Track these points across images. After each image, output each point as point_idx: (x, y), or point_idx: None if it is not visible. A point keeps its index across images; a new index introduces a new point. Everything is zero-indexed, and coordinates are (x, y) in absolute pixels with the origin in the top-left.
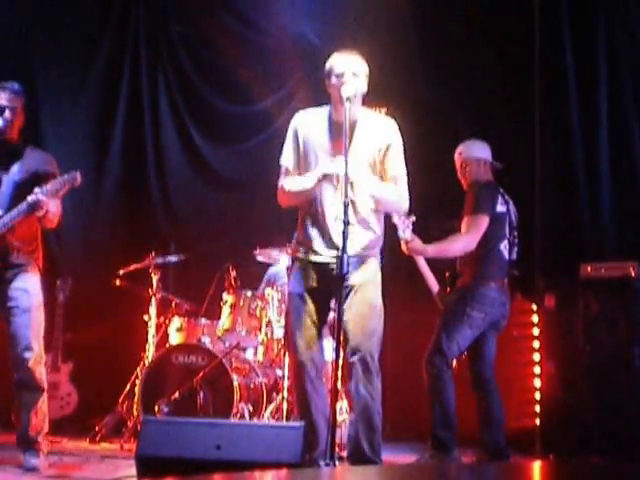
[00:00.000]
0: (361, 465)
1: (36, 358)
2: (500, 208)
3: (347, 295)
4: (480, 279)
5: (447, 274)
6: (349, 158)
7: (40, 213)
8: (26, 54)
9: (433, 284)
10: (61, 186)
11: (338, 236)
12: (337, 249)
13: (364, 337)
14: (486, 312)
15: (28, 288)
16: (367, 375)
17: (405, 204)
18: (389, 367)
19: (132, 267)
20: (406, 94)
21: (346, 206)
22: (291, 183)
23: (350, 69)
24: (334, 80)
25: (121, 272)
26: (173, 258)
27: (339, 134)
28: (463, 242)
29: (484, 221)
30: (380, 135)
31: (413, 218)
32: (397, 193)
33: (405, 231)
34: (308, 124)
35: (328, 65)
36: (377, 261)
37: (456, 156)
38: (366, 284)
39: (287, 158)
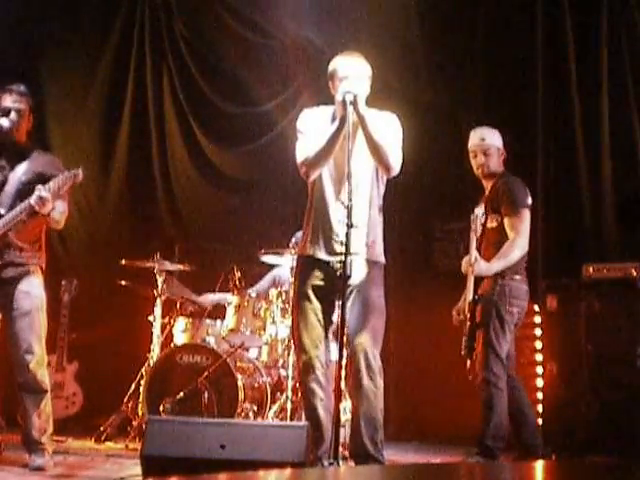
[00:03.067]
0: (364, 462)
1: (38, 360)
2: (530, 200)
3: (350, 295)
4: (510, 274)
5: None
6: (351, 160)
7: (44, 211)
8: (32, 55)
9: (470, 292)
10: (63, 183)
11: (342, 237)
12: (341, 250)
13: (366, 336)
14: (521, 306)
15: (29, 290)
16: (370, 374)
17: (396, 164)
18: (392, 366)
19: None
20: (408, 95)
21: (350, 208)
22: (314, 142)
23: (353, 72)
24: (337, 83)
25: (123, 262)
26: (177, 266)
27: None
28: (519, 247)
29: (528, 216)
30: (380, 128)
31: (481, 213)
32: (391, 148)
33: (477, 229)
34: (315, 120)
35: (331, 67)
36: (380, 262)
37: (476, 141)
38: (369, 284)
39: (305, 125)
